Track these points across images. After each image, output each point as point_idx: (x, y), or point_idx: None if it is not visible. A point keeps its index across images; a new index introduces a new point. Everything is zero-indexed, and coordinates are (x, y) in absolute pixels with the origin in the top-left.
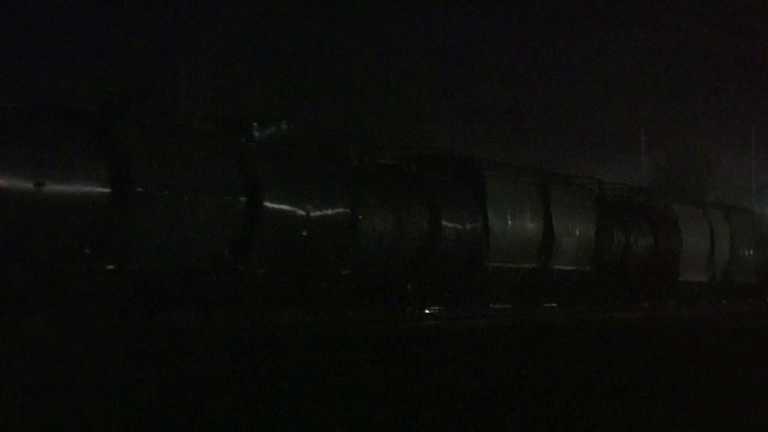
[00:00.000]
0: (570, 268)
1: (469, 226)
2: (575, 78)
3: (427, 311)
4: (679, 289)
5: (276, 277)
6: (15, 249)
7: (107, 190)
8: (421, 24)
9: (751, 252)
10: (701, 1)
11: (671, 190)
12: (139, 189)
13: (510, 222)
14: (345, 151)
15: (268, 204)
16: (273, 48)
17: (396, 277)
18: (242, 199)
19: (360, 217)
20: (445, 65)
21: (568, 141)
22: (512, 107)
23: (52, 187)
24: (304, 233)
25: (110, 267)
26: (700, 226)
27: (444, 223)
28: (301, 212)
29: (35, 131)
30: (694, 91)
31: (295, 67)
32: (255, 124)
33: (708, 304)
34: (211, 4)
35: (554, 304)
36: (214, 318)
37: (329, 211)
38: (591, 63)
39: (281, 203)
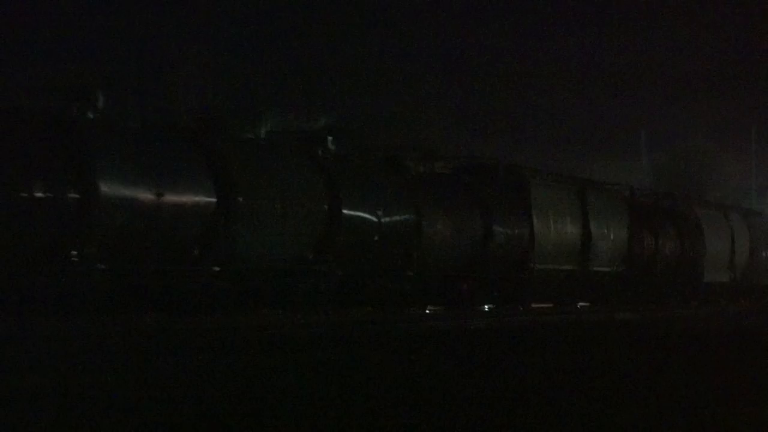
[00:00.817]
0: (605, 269)
1: (516, 231)
2: (575, 78)
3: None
4: (703, 290)
5: (352, 278)
6: (138, 250)
7: (213, 200)
8: (421, 24)
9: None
10: (701, 1)
11: (695, 195)
12: (240, 199)
13: (552, 226)
14: (407, 161)
15: (346, 211)
16: (273, 48)
17: (453, 277)
18: (325, 206)
19: (423, 222)
20: (445, 65)
21: (568, 141)
22: (512, 107)
23: (170, 197)
24: (376, 238)
25: (216, 268)
26: (722, 229)
27: (495, 228)
28: (374, 218)
29: (156, 148)
30: (694, 91)
31: (294, 67)
32: (330, 138)
33: (729, 304)
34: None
35: (587, 304)
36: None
37: (397, 217)
38: (591, 63)
39: (357, 210)
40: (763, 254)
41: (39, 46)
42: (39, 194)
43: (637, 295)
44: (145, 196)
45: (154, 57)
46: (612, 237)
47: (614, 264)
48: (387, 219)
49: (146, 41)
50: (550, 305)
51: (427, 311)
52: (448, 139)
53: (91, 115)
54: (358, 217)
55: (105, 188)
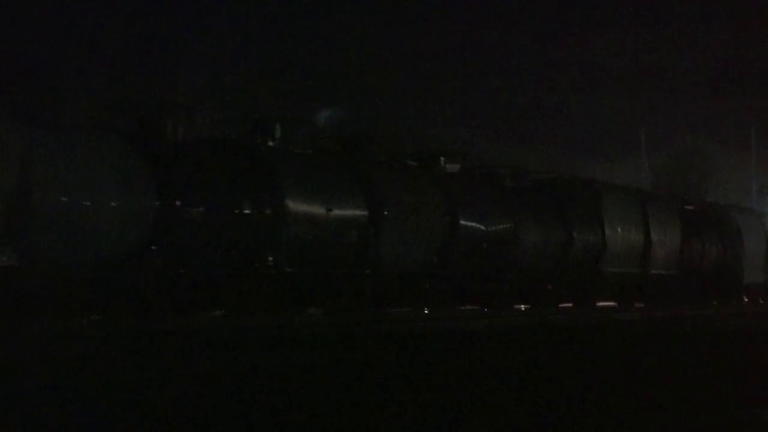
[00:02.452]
0: (662, 272)
1: (591, 238)
2: (575, 78)
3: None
4: (743, 290)
5: (466, 280)
6: (312, 256)
7: (366, 213)
8: (421, 24)
9: None
10: (701, 1)
11: (735, 202)
12: (386, 212)
13: (620, 234)
14: (502, 176)
15: (462, 222)
16: (273, 49)
17: (540, 279)
18: (446, 218)
19: (519, 231)
20: (444, 65)
21: (568, 141)
22: (512, 107)
23: (336, 212)
24: (485, 245)
25: (368, 272)
26: (758, 233)
27: (575, 235)
28: (483, 228)
29: (323, 171)
30: (694, 90)
31: (295, 67)
32: (443, 159)
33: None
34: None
35: (643, 304)
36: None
37: (500, 227)
38: (591, 63)
39: (470, 221)
40: None
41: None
42: (246, 211)
43: (687, 295)
44: (319, 211)
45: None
46: (667, 243)
47: (669, 267)
48: (492, 228)
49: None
50: (614, 304)
51: (522, 308)
52: (448, 140)
53: (271, 143)
54: (471, 227)
55: (290, 205)
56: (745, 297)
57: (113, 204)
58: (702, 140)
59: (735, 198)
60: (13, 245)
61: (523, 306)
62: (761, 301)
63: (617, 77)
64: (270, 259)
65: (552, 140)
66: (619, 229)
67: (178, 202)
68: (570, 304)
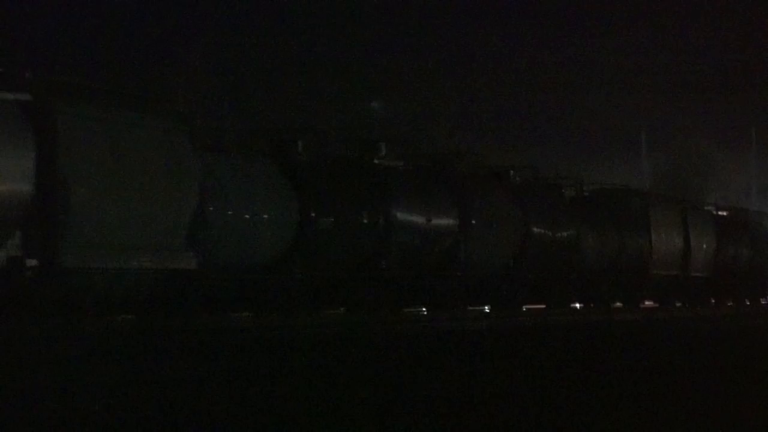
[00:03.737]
0: (700, 274)
1: (640, 243)
2: (575, 78)
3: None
4: None
5: (536, 280)
6: (415, 261)
7: (457, 222)
8: (420, 24)
9: None
10: (701, 1)
11: (765, 209)
12: (473, 221)
13: (664, 239)
14: (563, 186)
15: (534, 229)
16: (273, 49)
17: (597, 280)
18: (520, 226)
19: (581, 237)
20: (444, 65)
21: (568, 141)
22: (512, 107)
23: (435, 221)
24: (552, 250)
25: (459, 274)
26: None
27: (627, 241)
28: (550, 235)
29: (423, 184)
30: (695, 91)
31: (295, 68)
32: (512, 171)
33: None
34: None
35: (675, 303)
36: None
37: (565, 233)
38: (591, 63)
39: (541, 228)
40: None
41: None
42: (365, 221)
43: (722, 295)
44: (421, 220)
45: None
46: (704, 247)
47: (705, 270)
48: (559, 234)
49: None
50: (656, 304)
51: (578, 306)
52: (451, 141)
53: (376, 161)
54: (541, 234)
55: (399, 216)
56: None
57: (266, 216)
58: (702, 140)
59: (735, 198)
60: (194, 253)
61: (578, 305)
62: None
63: (617, 77)
64: (383, 262)
65: (552, 140)
66: (663, 235)
67: (313, 214)
68: (620, 304)
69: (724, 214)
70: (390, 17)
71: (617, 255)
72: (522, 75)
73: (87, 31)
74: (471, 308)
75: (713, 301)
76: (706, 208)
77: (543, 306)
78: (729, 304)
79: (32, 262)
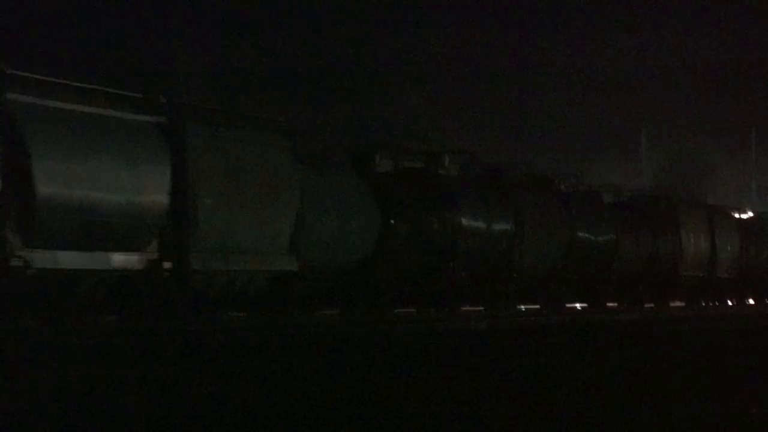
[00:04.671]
0: (725, 275)
1: (671, 246)
2: (575, 78)
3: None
4: None
5: (580, 281)
6: (476, 263)
7: (512, 227)
8: (420, 24)
9: None
10: (701, 2)
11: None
12: (526, 227)
13: (692, 243)
14: (604, 195)
15: (579, 234)
16: (273, 49)
17: (632, 281)
18: (567, 231)
19: (619, 241)
20: (444, 65)
21: (568, 141)
22: (512, 107)
23: (494, 226)
24: (595, 253)
25: (515, 275)
26: None
27: (660, 244)
28: (593, 239)
29: (483, 192)
30: (694, 91)
31: (295, 68)
32: (556, 180)
33: None
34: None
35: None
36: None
37: (605, 238)
38: (591, 63)
39: (585, 233)
40: None
41: None
42: (435, 227)
43: (745, 295)
44: (482, 226)
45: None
46: (729, 249)
47: (729, 271)
48: (599, 239)
49: None
50: (683, 304)
51: (613, 305)
52: (448, 140)
53: (442, 172)
54: (585, 238)
55: (464, 222)
56: None
57: (354, 223)
58: (702, 140)
59: (734, 198)
60: (296, 256)
61: (616, 304)
62: None
63: (617, 77)
64: (450, 264)
65: (552, 140)
66: (692, 239)
67: (392, 221)
68: (652, 304)
69: (747, 217)
70: (389, 17)
71: (651, 258)
72: (522, 75)
73: (90, 32)
74: (521, 306)
75: (738, 300)
76: (730, 211)
77: (583, 305)
78: (751, 303)
79: (167, 265)
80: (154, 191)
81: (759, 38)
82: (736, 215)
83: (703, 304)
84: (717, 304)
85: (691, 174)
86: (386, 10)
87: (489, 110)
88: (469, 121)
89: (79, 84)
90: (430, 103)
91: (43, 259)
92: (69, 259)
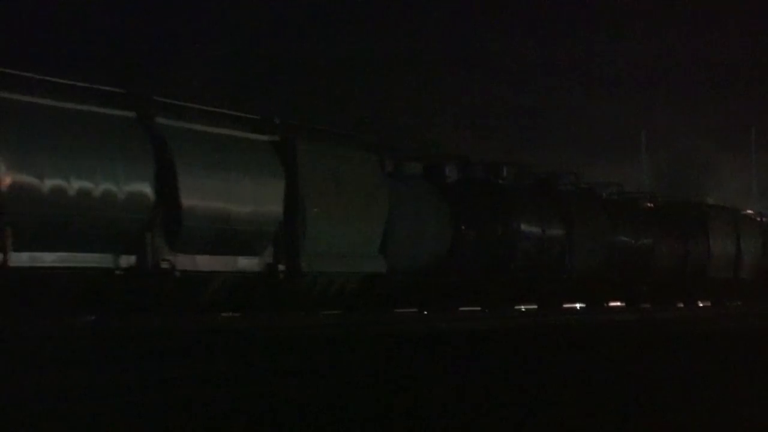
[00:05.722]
0: (748, 277)
1: (700, 249)
2: (575, 78)
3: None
4: None
5: (620, 282)
6: (530, 264)
7: (563, 232)
8: (419, 24)
9: None
10: (701, 2)
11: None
12: (574, 231)
13: (720, 245)
14: (640, 201)
15: (620, 238)
16: (271, 49)
17: (666, 282)
18: (609, 235)
19: (655, 245)
20: (444, 65)
21: (568, 141)
22: (512, 107)
23: (548, 231)
24: (632, 255)
25: (565, 276)
26: None
27: (691, 248)
28: (633, 242)
29: (538, 199)
30: (695, 91)
31: (294, 69)
32: (598, 189)
33: None
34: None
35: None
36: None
37: (644, 242)
38: (591, 63)
39: (625, 237)
40: None
41: None
42: (499, 232)
43: (765, 294)
44: (537, 231)
45: None
46: (752, 252)
47: (753, 273)
48: (638, 242)
49: None
50: (709, 304)
51: (647, 306)
52: (448, 140)
53: (501, 181)
54: (625, 241)
55: (522, 227)
56: None
57: (430, 230)
58: (702, 140)
59: (734, 199)
60: (384, 258)
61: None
62: None
63: (617, 78)
64: (512, 266)
65: (552, 140)
66: (719, 242)
67: (463, 227)
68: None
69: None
70: (388, 17)
71: (683, 260)
72: (522, 76)
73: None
74: (566, 306)
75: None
76: (754, 215)
77: (621, 304)
78: None
79: (281, 268)
80: (271, 202)
81: (759, 38)
82: (758, 219)
83: (728, 304)
84: (740, 304)
85: (691, 174)
86: (385, 9)
87: (488, 110)
88: (468, 121)
89: (211, 108)
90: (427, 102)
91: (184, 262)
92: (205, 262)
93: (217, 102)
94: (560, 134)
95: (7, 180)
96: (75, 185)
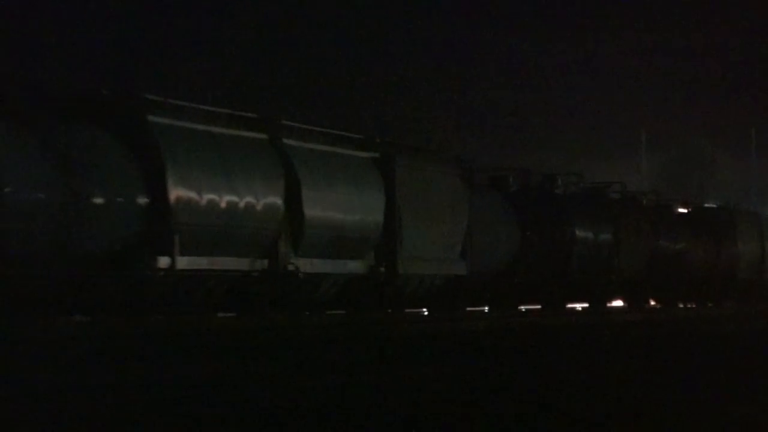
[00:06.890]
0: None
1: (731, 252)
2: (575, 78)
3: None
4: None
5: (659, 283)
6: (585, 266)
7: (612, 237)
8: (419, 24)
9: None
10: (701, 2)
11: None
12: (620, 236)
13: (746, 248)
14: (674, 206)
15: (660, 242)
16: (270, 48)
17: (697, 284)
18: (651, 239)
19: (689, 249)
20: (444, 65)
21: (568, 141)
22: (512, 107)
23: (601, 237)
24: (672, 258)
25: (613, 277)
26: None
27: (721, 251)
28: (671, 246)
29: (591, 207)
30: (695, 91)
31: (293, 69)
32: (641, 194)
33: None
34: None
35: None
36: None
37: (679, 246)
38: (592, 63)
39: (664, 241)
40: None
41: None
42: (558, 237)
43: None
44: (590, 236)
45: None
46: None
47: None
48: (675, 246)
49: None
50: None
51: (681, 306)
52: (447, 140)
53: (557, 191)
54: (665, 245)
55: (578, 233)
56: None
57: (501, 237)
58: (702, 140)
59: (734, 199)
60: (467, 262)
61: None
62: None
63: (617, 77)
64: (567, 269)
65: (552, 140)
66: (747, 245)
67: (528, 233)
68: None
69: None
70: (387, 17)
71: (714, 262)
72: (522, 76)
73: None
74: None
75: None
76: None
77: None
78: None
79: (381, 269)
80: (374, 212)
81: (759, 38)
82: None
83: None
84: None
85: (691, 174)
86: (384, 9)
87: (488, 110)
88: (468, 121)
89: (326, 130)
90: (427, 103)
91: (305, 265)
92: (321, 265)
93: (327, 121)
94: (560, 134)
95: (176, 194)
96: (225, 199)
